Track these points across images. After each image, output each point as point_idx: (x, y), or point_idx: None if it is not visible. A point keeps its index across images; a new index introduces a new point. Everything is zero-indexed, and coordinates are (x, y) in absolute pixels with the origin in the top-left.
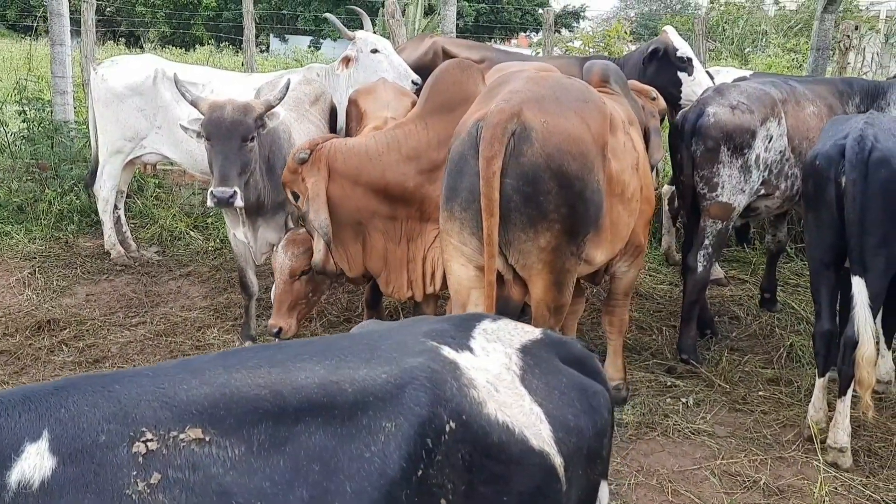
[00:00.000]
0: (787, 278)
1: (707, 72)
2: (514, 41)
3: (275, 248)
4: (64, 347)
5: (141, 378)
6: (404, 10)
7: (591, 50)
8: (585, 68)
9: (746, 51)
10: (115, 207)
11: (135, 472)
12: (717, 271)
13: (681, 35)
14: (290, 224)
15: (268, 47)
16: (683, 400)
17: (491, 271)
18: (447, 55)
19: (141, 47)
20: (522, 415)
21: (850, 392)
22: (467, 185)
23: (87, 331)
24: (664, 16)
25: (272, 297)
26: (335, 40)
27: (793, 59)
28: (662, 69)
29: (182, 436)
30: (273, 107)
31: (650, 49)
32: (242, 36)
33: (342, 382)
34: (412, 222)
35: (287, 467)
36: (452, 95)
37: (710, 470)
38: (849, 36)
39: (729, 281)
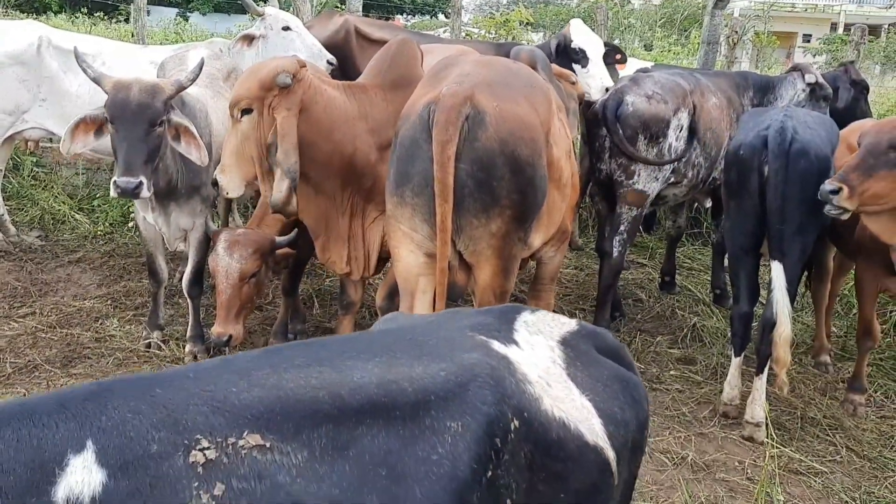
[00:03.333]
0: (681, 262)
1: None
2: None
3: (214, 250)
4: None
5: (183, 380)
6: None
7: (489, 35)
8: (513, 53)
9: (616, 42)
10: None
11: (196, 484)
12: None
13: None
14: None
15: (128, 18)
16: None
17: (444, 258)
18: (360, 34)
19: None
20: (575, 409)
21: (766, 370)
22: (420, 169)
23: None
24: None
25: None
26: (204, 14)
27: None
28: (560, 61)
29: (241, 442)
30: (185, 87)
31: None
32: (99, 2)
33: (401, 381)
34: (357, 197)
35: (353, 473)
36: (406, 73)
37: None
38: (737, 31)
39: (629, 265)
